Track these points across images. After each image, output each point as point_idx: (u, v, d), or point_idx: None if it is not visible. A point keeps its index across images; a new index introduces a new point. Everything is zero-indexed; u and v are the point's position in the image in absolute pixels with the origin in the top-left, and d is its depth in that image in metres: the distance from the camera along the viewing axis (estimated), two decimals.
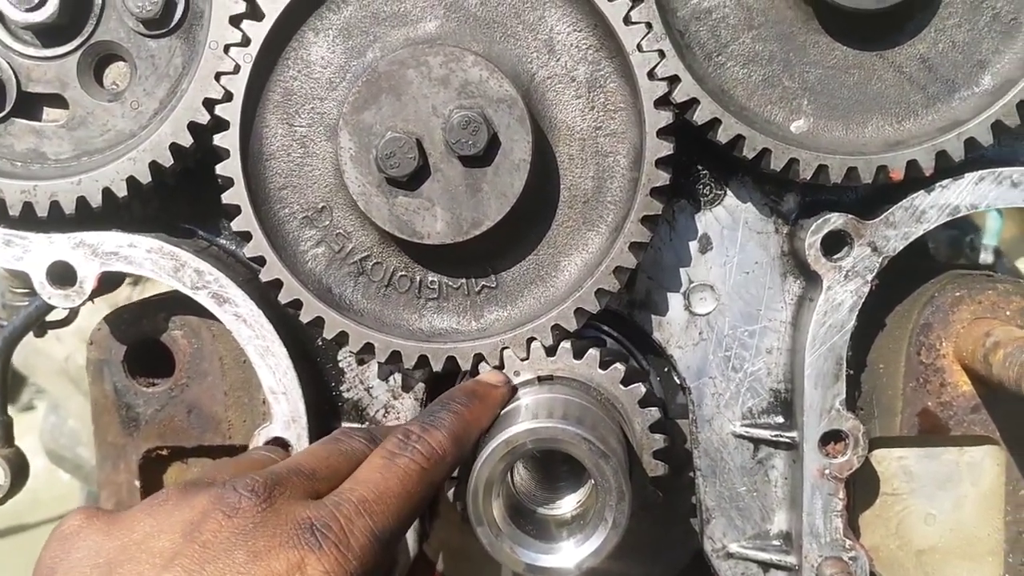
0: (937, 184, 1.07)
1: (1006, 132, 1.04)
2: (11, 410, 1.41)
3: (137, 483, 1.27)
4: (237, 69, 1.06)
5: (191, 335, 1.23)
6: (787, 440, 1.17)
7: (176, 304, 1.22)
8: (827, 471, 1.13)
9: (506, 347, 1.09)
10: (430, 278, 1.12)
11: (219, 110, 1.07)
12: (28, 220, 1.12)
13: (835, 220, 1.09)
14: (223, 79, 1.07)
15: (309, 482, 0.92)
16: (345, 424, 1.22)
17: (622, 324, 1.20)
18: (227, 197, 1.08)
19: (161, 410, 1.25)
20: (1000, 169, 1.07)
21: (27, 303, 1.41)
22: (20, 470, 1.39)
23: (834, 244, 1.10)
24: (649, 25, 1.02)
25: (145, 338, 1.24)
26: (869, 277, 1.09)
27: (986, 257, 2.56)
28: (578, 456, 0.96)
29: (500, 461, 0.96)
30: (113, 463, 1.27)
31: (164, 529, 0.86)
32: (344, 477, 0.93)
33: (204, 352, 1.24)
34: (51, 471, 5.42)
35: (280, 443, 1.16)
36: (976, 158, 1.06)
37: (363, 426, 1.20)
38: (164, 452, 1.27)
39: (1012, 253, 3.22)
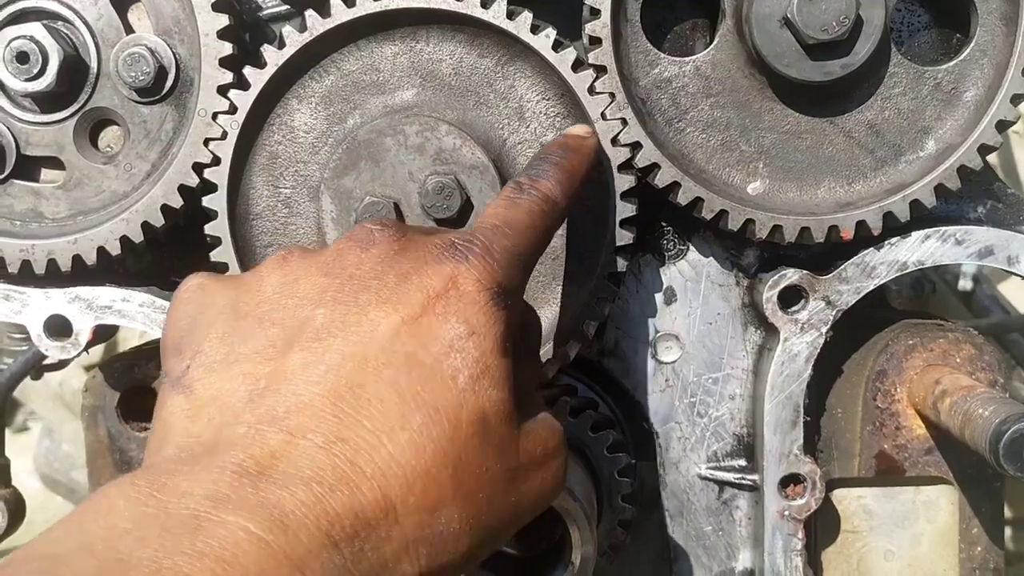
0: (886, 242, 1.13)
1: (948, 194, 1.11)
2: (7, 431, 1.46)
3: None
4: (225, 135, 1.12)
5: None
6: (750, 482, 1.23)
7: None
8: (786, 512, 1.19)
9: None
10: None
11: (208, 173, 1.13)
12: (26, 276, 1.19)
13: (791, 276, 1.15)
14: (211, 144, 1.13)
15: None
16: None
17: (591, 371, 1.26)
18: (215, 255, 1.14)
19: None
20: (944, 228, 1.13)
21: (24, 348, 1.47)
22: (17, 511, 1.45)
23: (790, 298, 1.16)
24: (612, 95, 1.09)
25: (137, 385, 1.30)
26: (824, 329, 1.16)
27: (964, 284, 2.62)
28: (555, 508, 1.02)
29: None
30: None
31: (299, 275, 0.81)
32: None
33: None
34: (45, 493, 5.44)
35: None
36: (922, 216, 1.13)
37: None
38: None
39: (994, 278, 3.30)
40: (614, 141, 1.09)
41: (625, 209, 1.11)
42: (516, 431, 0.78)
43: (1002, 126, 1.08)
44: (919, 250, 1.14)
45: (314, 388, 0.72)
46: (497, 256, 0.81)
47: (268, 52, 1.11)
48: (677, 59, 1.12)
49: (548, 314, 1.15)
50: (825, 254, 1.17)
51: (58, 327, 1.21)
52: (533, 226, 0.88)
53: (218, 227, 1.14)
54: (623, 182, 1.10)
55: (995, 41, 1.10)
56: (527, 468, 0.79)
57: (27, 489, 1.43)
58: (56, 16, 1.16)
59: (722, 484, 1.25)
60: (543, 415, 0.83)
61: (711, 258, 1.23)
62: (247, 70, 1.11)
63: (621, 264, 1.12)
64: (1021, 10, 1.07)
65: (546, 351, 1.12)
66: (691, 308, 1.23)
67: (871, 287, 1.15)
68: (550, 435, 0.82)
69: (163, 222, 1.15)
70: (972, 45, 1.10)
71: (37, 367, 1.45)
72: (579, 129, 1.06)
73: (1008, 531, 4.36)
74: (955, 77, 1.11)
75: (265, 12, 1.22)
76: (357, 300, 0.77)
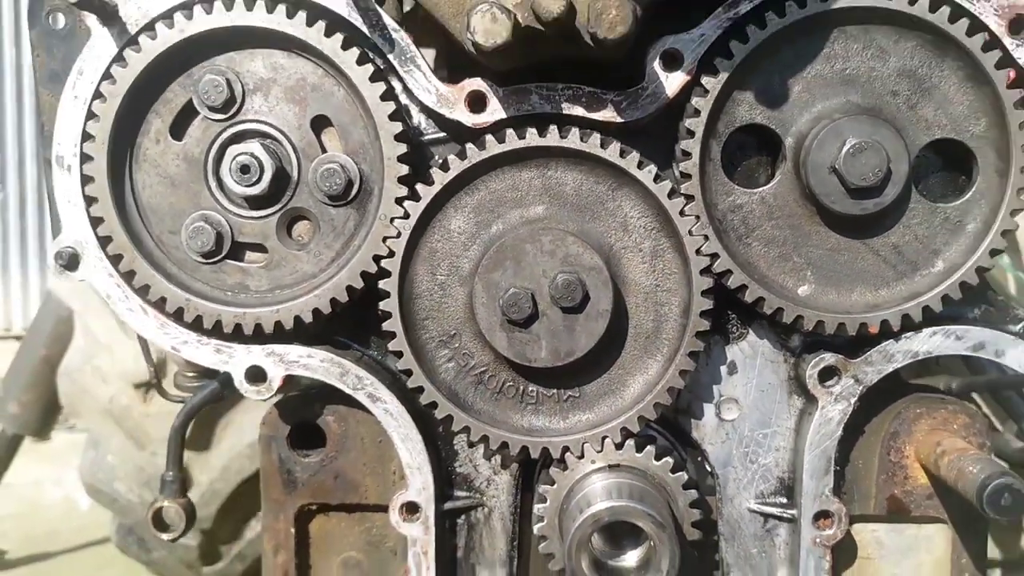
0: (903, 336, 1.48)
1: (952, 301, 1.45)
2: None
3: (292, 530, 1.67)
4: (399, 235, 1.47)
5: (340, 420, 1.63)
6: (789, 516, 1.57)
7: (330, 396, 1.62)
8: (818, 540, 1.53)
9: (586, 442, 1.49)
10: (531, 388, 1.52)
11: (384, 263, 1.48)
12: (232, 335, 1.53)
13: (828, 358, 1.50)
14: (388, 241, 1.48)
15: None
16: (457, 492, 1.62)
17: (669, 425, 1.60)
18: (387, 325, 1.49)
19: (314, 475, 1.64)
20: (948, 327, 1.48)
21: (198, 384, 1.82)
22: (191, 516, 1.79)
23: (827, 375, 1.50)
24: (697, 217, 1.44)
25: (305, 421, 1.65)
26: (853, 400, 1.50)
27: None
28: (642, 525, 1.37)
29: (588, 528, 1.36)
30: (275, 514, 1.67)
31: None
32: None
33: (349, 433, 1.64)
34: (68, 502, 5.69)
35: (412, 507, 1.56)
36: (932, 316, 1.47)
37: None
38: (313, 507, 1.67)
39: None
40: (698, 252, 1.44)
41: (704, 304, 1.45)
42: None
43: (995, 252, 1.43)
44: (928, 343, 1.48)
45: None
46: None
47: (436, 173, 1.46)
48: (747, 190, 1.47)
49: (642, 381, 1.49)
50: (855, 342, 1.51)
51: (255, 375, 1.55)
52: None
53: (390, 304, 1.48)
54: (703, 283, 1.45)
55: (991, 187, 1.44)
56: None
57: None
58: (268, 136, 1.51)
59: (767, 516, 1.59)
60: None
61: (766, 340, 1.57)
62: (419, 186, 1.46)
63: (699, 345, 1.46)
64: (1011, 165, 1.42)
65: (639, 409, 1.47)
66: (748, 378, 1.58)
67: (891, 369, 1.49)
68: None
69: (347, 299, 1.50)
70: (974, 189, 1.45)
71: (214, 402, 1.78)
72: None
73: (998, 573, 4.68)
74: (960, 212, 1.46)
75: (426, 137, 1.56)
76: None
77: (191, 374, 1.90)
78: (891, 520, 1.62)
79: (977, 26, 1.40)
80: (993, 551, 4.46)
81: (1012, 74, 1.41)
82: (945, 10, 1.39)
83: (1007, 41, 1.41)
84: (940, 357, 2.17)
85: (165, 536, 1.76)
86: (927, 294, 1.44)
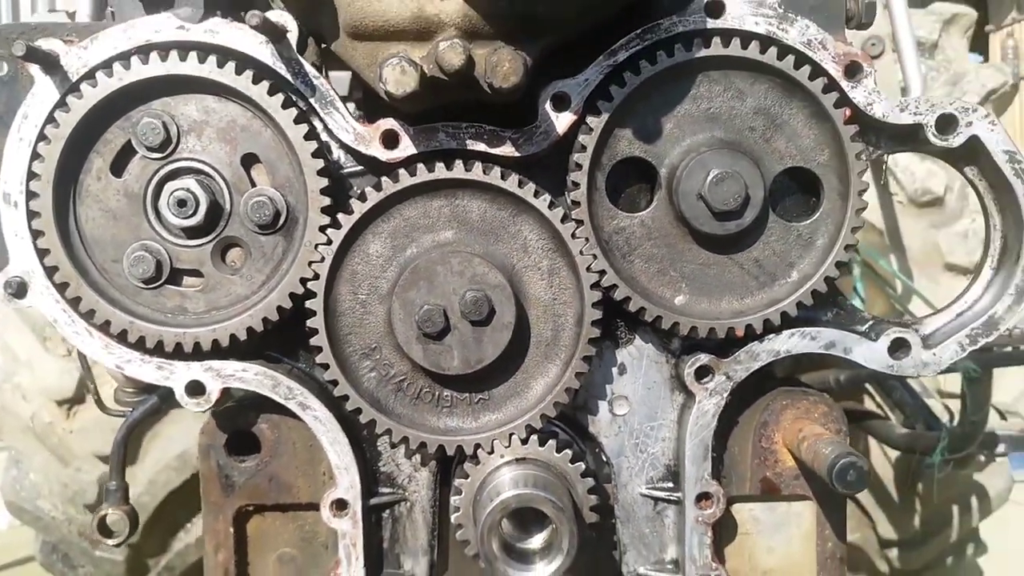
0: (766, 338, 1.71)
1: (805, 308, 1.68)
2: None
3: (231, 530, 1.82)
4: (322, 259, 1.64)
5: (273, 428, 1.79)
6: (675, 499, 1.78)
7: (263, 406, 1.78)
8: (700, 519, 1.74)
9: (495, 439, 1.68)
10: (445, 393, 1.70)
11: (310, 285, 1.65)
12: (172, 354, 1.68)
13: (703, 359, 1.72)
14: (313, 265, 1.65)
15: None
16: (382, 489, 1.80)
17: (569, 421, 1.80)
18: (314, 341, 1.66)
19: (250, 479, 1.80)
20: (804, 328, 1.71)
21: (137, 399, 1.96)
22: (135, 522, 1.94)
23: (702, 373, 1.72)
24: (587, 239, 1.65)
25: (240, 429, 1.80)
26: (725, 395, 1.72)
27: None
28: (545, 510, 1.56)
29: (497, 515, 1.56)
30: (214, 516, 1.81)
31: None
32: None
33: (281, 439, 1.80)
34: None
35: (341, 503, 1.73)
36: (789, 320, 1.70)
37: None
38: (250, 508, 1.82)
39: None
40: (588, 269, 1.64)
41: (595, 314, 1.66)
42: None
43: (840, 265, 1.66)
44: (788, 343, 1.71)
45: None
46: None
47: (355, 204, 1.64)
48: (628, 214, 1.68)
49: (543, 383, 1.69)
50: (725, 344, 1.74)
51: (195, 389, 1.71)
52: None
53: (316, 321, 1.65)
54: (593, 296, 1.65)
55: (835, 208, 1.68)
56: None
57: None
58: (202, 172, 1.67)
59: (656, 500, 1.80)
60: None
61: (650, 344, 1.79)
62: (340, 215, 1.64)
63: (592, 350, 1.67)
64: (850, 189, 1.65)
65: (541, 408, 1.67)
66: (636, 378, 1.79)
67: (757, 367, 1.72)
68: None
69: (277, 317, 1.67)
70: (821, 210, 1.68)
71: (151, 415, 1.93)
72: None
73: (895, 551, 5.01)
74: (810, 230, 1.69)
75: (345, 170, 1.74)
76: None
77: (130, 389, 2.04)
78: (764, 499, 1.84)
79: (818, 71, 1.64)
80: (890, 532, 4.80)
81: (848, 112, 1.64)
82: (791, 58, 1.62)
83: (844, 84, 1.65)
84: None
85: (110, 542, 1.91)
86: (785, 301, 1.67)
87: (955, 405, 3.98)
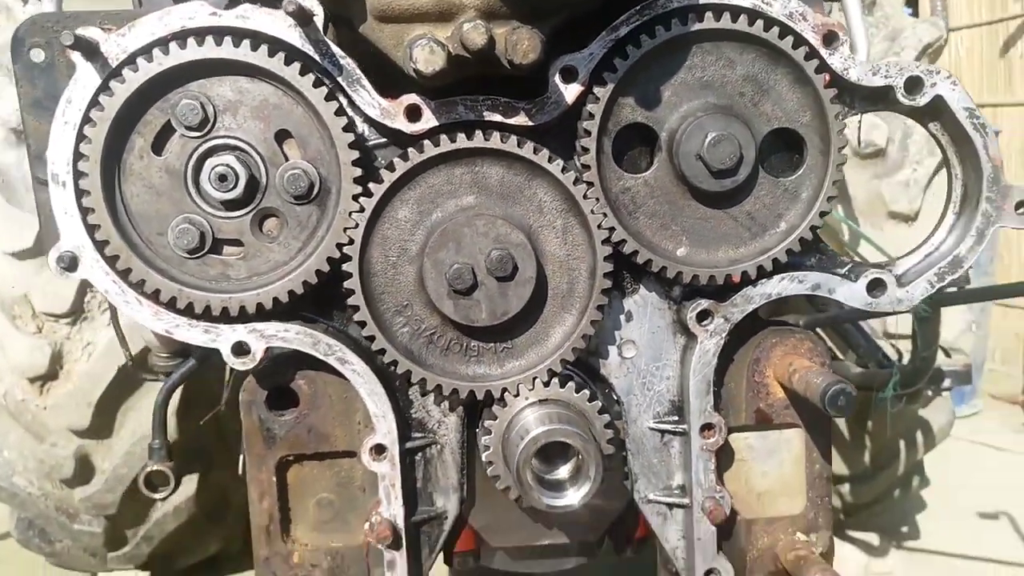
0: (759, 282, 1.89)
1: (793, 253, 1.87)
2: None
3: (274, 479, 1.97)
4: (356, 225, 1.79)
5: (310, 383, 1.94)
6: (681, 430, 1.97)
7: (299, 363, 1.93)
8: (704, 447, 1.94)
9: (520, 383, 1.85)
10: (472, 344, 1.87)
11: (345, 249, 1.80)
12: (217, 317, 1.82)
13: (703, 303, 1.90)
14: (347, 231, 1.79)
15: None
16: (414, 434, 1.96)
17: (583, 365, 1.98)
18: (351, 301, 1.80)
19: (290, 431, 1.95)
20: (792, 273, 1.90)
21: (173, 363, 2.09)
22: (178, 477, 2.08)
23: (703, 316, 1.91)
24: (597, 199, 1.81)
25: (279, 386, 1.95)
26: (723, 335, 1.91)
27: None
28: (571, 442, 1.74)
29: (531, 448, 1.73)
30: (258, 467, 1.96)
31: None
32: None
33: (318, 393, 1.94)
34: None
35: (379, 448, 1.90)
36: (779, 266, 1.89)
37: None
38: (290, 458, 1.97)
39: None
40: (599, 226, 1.81)
41: (606, 267, 1.83)
42: None
43: (823, 215, 1.85)
44: (778, 286, 1.90)
45: None
46: None
47: (384, 173, 1.78)
48: (633, 175, 1.85)
49: (561, 332, 1.87)
50: (723, 290, 1.92)
51: (240, 350, 1.85)
52: None
53: (353, 282, 1.80)
54: (604, 250, 1.82)
55: (818, 164, 1.86)
56: None
57: None
58: (238, 148, 1.80)
59: (663, 432, 2.00)
60: None
61: (654, 292, 1.97)
62: (371, 184, 1.79)
63: (604, 300, 1.84)
64: (831, 147, 1.83)
65: (560, 354, 1.84)
66: (642, 323, 1.97)
67: (751, 309, 1.91)
68: None
69: (316, 280, 1.81)
70: (805, 166, 1.86)
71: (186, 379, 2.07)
72: None
73: (847, 486, 5.28)
74: (796, 184, 1.88)
75: (369, 143, 1.88)
76: None
77: (164, 354, 2.16)
78: (758, 428, 2.03)
79: (800, 40, 1.81)
80: (842, 468, 5.08)
81: (827, 77, 1.82)
82: (776, 29, 1.79)
83: (823, 51, 1.82)
84: (790, 300, 2.64)
85: (156, 496, 2.04)
86: (775, 249, 1.86)
87: (903, 346, 4.24)
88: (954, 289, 4.03)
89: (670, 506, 2.00)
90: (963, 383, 4.80)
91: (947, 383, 4.60)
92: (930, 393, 4.92)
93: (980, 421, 8.66)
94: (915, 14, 11.05)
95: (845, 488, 5.21)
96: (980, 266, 8.61)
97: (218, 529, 4.89)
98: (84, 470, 4.36)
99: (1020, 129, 10.34)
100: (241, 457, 2.05)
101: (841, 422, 4.96)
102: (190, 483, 4.43)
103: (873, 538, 5.69)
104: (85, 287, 3.99)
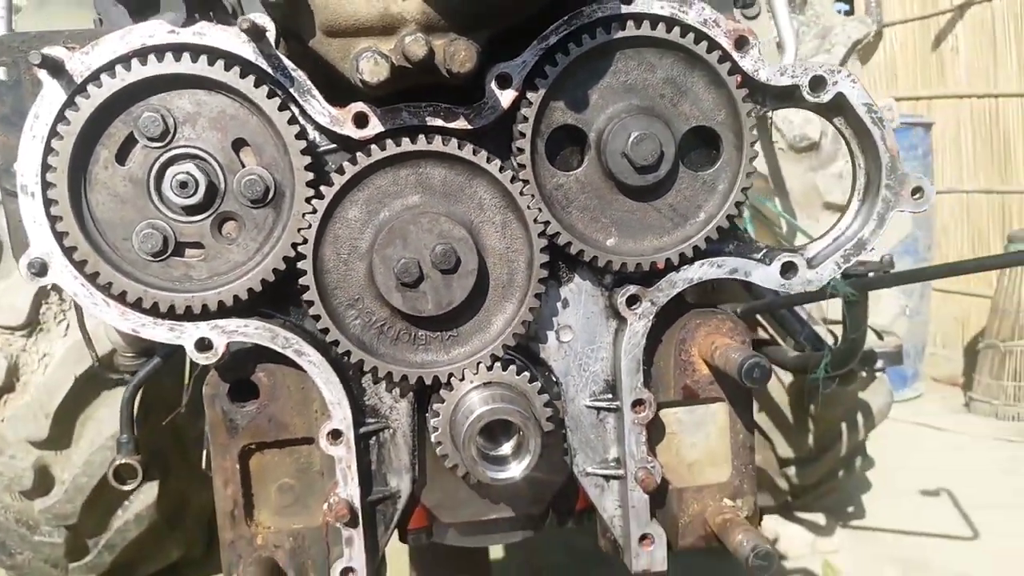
0: (681, 268, 2.07)
1: (712, 241, 2.05)
2: None
3: (237, 466, 2.10)
4: (310, 226, 1.93)
5: (269, 375, 2.07)
6: (615, 407, 2.14)
7: (260, 356, 2.06)
8: (636, 421, 2.11)
9: (465, 368, 2.01)
10: (420, 333, 2.02)
11: (300, 248, 1.93)
12: (180, 316, 1.95)
13: (632, 289, 2.07)
14: (301, 231, 1.93)
15: None
16: (368, 419, 2.11)
17: (523, 350, 2.13)
18: (306, 296, 1.94)
19: (251, 421, 2.08)
20: (712, 259, 2.07)
21: (139, 362, 2.21)
22: (146, 469, 2.20)
23: (632, 301, 2.07)
24: (532, 195, 1.97)
25: (241, 379, 2.08)
26: (651, 318, 2.08)
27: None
28: (513, 420, 1.90)
29: (475, 426, 1.89)
30: (222, 456, 2.08)
31: None
32: None
33: (277, 384, 2.07)
34: None
35: (336, 433, 2.03)
36: (699, 253, 2.06)
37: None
38: (252, 446, 2.10)
39: None
40: (535, 221, 1.97)
41: (542, 258, 1.99)
42: None
43: (739, 204, 2.03)
44: (699, 271, 2.08)
45: None
46: None
47: (335, 176, 1.93)
48: (565, 173, 2.01)
49: (502, 319, 2.02)
50: (649, 276, 2.09)
51: (204, 345, 1.97)
52: None
53: (307, 279, 1.94)
54: (540, 243, 1.98)
55: (732, 158, 2.04)
56: None
57: None
58: (198, 157, 1.93)
59: (599, 409, 2.16)
60: None
61: (587, 280, 2.13)
62: (323, 187, 1.93)
63: (541, 288, 2.00)
64: (744, 142, 2.02)
65: (502, 339, 2.00)
66: (577, 309, 2.14)
67: (675, 292, 2.08)
68: None
69: (273, 278, 1.94)
70: (721, 160, 2.04)
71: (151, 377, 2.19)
72: None
73: (793, 469, 5.48)
74: (713, 177, 2.05)
75: (320, 148, 2.02)
76: None
77: (130, 354, 2.28)
78: (686, 403, 2.20)
79: (714, 45, 1.98)
80: (787, 451, 5.28)
81: (739, 78, 2.00)
82: (691, 35, 1.97)
83: (735, 55, 2.00)
84: (729, 288, 2.80)
85: (125, 488, 2.16)
86: (695, 237, 2.03)
87: (839, 330, 4.46)
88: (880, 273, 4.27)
89: (607, 478, 2.17)
90: (895, 363, 5.00)
91: (880, 364, 4.82)
92: (864, 374, 5.13)
93: (922, 404, 8.99)
94: (851, 11, 11.40)
95: (791, 471, 5.39)
96: (918, 253, 8.96)
97: (179, 535, 4.96)
98: (43, 481, 4.42)
99: (953, 120, 10.73)
100: (204, 453, 2.17)
101: (786, 407, 5.15)
102: (150, 490, 4.50)
103: (820, 518, 5.90)
104: (40, 299, 4.05)
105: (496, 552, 5.58)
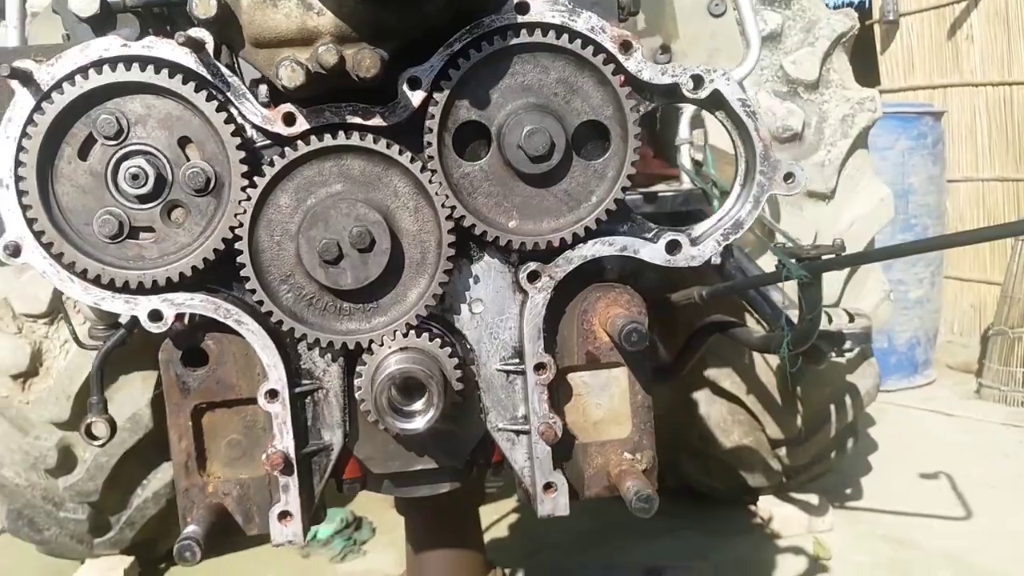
0: (576, 246, 2.33)
1: (604, 222, 2.31)
2: None
3: (190, 423, 2.39)
4: (245, 212, 2.22)
5: (217, 343, 2.36)
6: (521, 370, 2.41)
7: (208, 327, 2.36)
8: (537, 382, 2.37)
9: (385, 335, 2.29)
10: (345, 305, 2.30)
11: (237, 231, 2.22)
12: (135, 290, 2.24)
13: (532, 266, 2.33)
14: (238, 216, 2.22)
15: None
16: (303, 381, 2.40)
17: (440, 320, 2.41)
18: (243, 272, 2.22)
19: (202, 383, 2.37)
20: (603, 238, 2.33)
21: (108, 333, 2.52)
22: (114, 427, 2.50)
23: (533, 277, 2.33)
24: (441, 183, 2.25)
25: (192, 346, 2.37)
26: (550, 290, 2.35)
27: (715, 259, 3.90)
28: (418, 377, 2.18)
29: (387, 383, 2.17)
30: (176, 414, 2.37)
31: None
32: None
33: (224, 351, 2.36)
34: None
35: (273, 392, 2.33)
36: (594, 233, 2.33)
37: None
38: (203, 406, 2.39)
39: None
40: (443, 206, 2.25)
41: (450, 239, 2.26)
42: None
43: (624, 189, 2.29)
44: (592, 249, 2.34)
45: None
46: None
47: (267, 168, 2.21)
48: (471, 163, 2.29)
49: (416, 292, 2.30)
50: (548, 254, 2.35)
51: (155, 316, 2.27)
52: None
53: (244, 258, 2.22)
54: (448, 225, 2.25)
55: (619, 149, 2.30)
56: None
57: None
58: (148, 153, 2.22)
59: (508, 372, 2.43)
60: None
61: (495, 259, 2.39)
62: (256, 178, 2.21)
63: (450, 266, 2.28)
64: (628, 135, 2.28)
65: (416, 310, 2.28)
66: (487, 284, 2.41)
67: (571, 268, 2.34)
68: None
69: (214, 257, 2.23)
70: (609, 151, 2.30)
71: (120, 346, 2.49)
72: None
73: (783, 450, 5.60)
74: (603, 166, 2.31)
75: (256, 144, 2.30)
76: None
77: (101, 326, 2.59)
78: (589, 368, 2.45)
79: (600, 49, 2.24)
80: (777, 433, 5.43)
81: (623, 78, 2.26)
82: (579, 41, 2.23)
83: (620, 57, 2.25)
84: (698, 271, 2.94)
85: (95, 443, 2.47)
86: (587, 218, 2.29)
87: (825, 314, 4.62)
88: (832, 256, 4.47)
89: (516, 432, 2.44)
90: (863, 343, 5.17)
91: (848, 345, 4.99)
92: (834, 355, 5.29)
93: (933, 390, 8.99)
94: (868, 5, 11.49)
95: (782, 451, 5.50)
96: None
97: None
98: (67, 460, 4.70)
99: (968, 108, 10.76)
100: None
101: (774, 390, 5.29)
102: (167, 471, 4.77)
103: (814, 498, 5.98)
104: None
105: (496, 531, 5.77)
